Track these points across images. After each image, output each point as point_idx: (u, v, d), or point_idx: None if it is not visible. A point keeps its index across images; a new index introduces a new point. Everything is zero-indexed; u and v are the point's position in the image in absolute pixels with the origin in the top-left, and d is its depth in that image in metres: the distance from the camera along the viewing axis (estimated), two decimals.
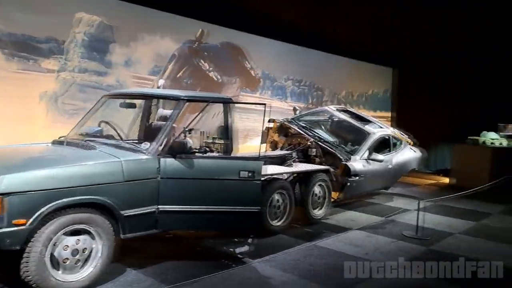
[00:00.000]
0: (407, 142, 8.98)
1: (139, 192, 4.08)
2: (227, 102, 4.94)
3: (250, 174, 4.54)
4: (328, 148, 7.22)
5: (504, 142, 10.67)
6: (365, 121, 8.50)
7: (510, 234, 6.59)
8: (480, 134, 10.82)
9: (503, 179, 9.42)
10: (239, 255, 5.00)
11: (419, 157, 9.06)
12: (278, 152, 6.98)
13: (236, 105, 7.79)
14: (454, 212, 7.79)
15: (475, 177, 9.59)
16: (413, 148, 9.10)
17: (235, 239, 5.46)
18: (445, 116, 12.81)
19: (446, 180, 11.24)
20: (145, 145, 4.29)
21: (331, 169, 6.87)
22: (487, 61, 11.98)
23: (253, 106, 8.40)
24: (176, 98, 4.65)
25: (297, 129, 7.60)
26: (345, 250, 5.40)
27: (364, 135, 7.77)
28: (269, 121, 7.90)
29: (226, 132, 4.92)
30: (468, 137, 10.82)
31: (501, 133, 10.91)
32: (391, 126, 11.68)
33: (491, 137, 10.69)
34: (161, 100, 5.51)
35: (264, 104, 4.81)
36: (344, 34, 10.75)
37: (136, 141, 5.04)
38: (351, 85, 11.47)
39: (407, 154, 8.75)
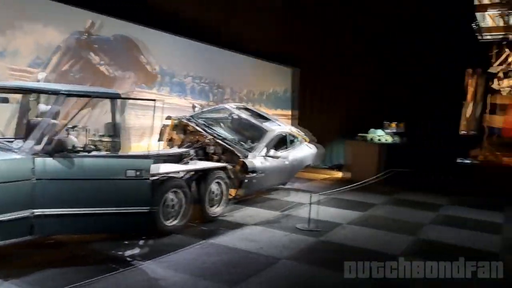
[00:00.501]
0: (304, 139, 9.40)
1: (9, 195, 3.71)
2: (114, 98, 4.69)
3: (138, 173, 4.37)
4: (227, 146, 7.25)
5: (389, 139, 11.63)
6: (264, 119, 8.71)
7: (393, 223, 7.20)
8: (368, 131, 11.66)
9: (389, 172, 10.33)
10: (128, 258, 4.77)
11: (315, 153, 9.52)
12: (174, 150, 6.84)
13: (132, 102, 7.54)
14: (345, 204, 8.30)
15: (365, 171, 10.36)
16: (309, 144, 9.54)
17: (126, 242, 5.20)
18: (340, 114, 13.62)
19: (340, 174, 11.98)
20: (18, 143, 3.90)
21: (229, 166, 6.90)
22: (375, 65, 13.00)
23: (150, 103, 8.13)
24: (54, 92, 4.30)
25: (195, 126, 7.51)
26: (241, 245, 5.46)
27: (262, 132, 7.95)
28: (167, 118, 7.73)
29: (114, 129, 4.67)
30: (358, 134, 11.62)
31: (386, 130, 11.87)
32: (292, 124, 12.18)
33: (378, 134, 11.59)
34: (42, 95, 5.06)
35: (154, 100, 4.66)
36: (245, 33, 10.88)
37: (11, 140, 4.58)
38: (253, 84, 11.66)
39: (304, 150, 9.14)
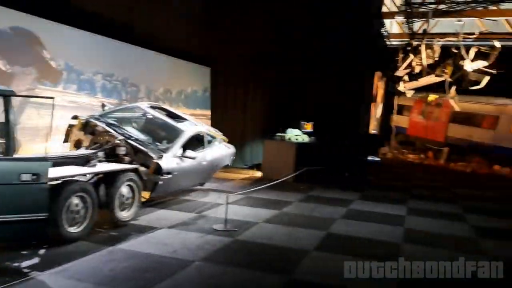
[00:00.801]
0: (222, 139, 9.36)
1: None
2: (5, 95, 4.26)
3: (33, 177, 4.01)
4: (139, 146, 6.95)
5: (305, 138, 11.99)
6: (180, 118, 8.52)
7: (306, 219, 7.41)
8: (285, 131, 11.94)
9: (303, 170, 10.66)
10: (24, 269, 4.35)
11: (231, 153, 9.52)
12: (79, 152, 6.41)
13: (35, 100, 6.94)
14: (260, 203, 8.37)
15: (281, 170, 10.59)
16: (227, 144, 9.52)
17: (23, 252, 4.73)
18: (258, 114, 13.81)
19: (258, 173, 12.11)
20: None
21: (140, 168, 6.62)
22: (291, 68, 13.40)
23: (56, 101, 7.50)
24: None
25: (104, 126, 7.12)
26: (152, 250, 5.27)
27: (177, 132, 7.76)
28: (72, 117, 7.25)
29: (6, 129, 4.25)
30: (276, 134, 11.85)
31: (302, 130, 12.23)
32: (211, 124, 12.08)
33: (295, 134, 11.91)
34: None
35: (52, 97, 4.32)
36: (160, 30, 10.53)
37: None
38: (170, 83, 11.33)
39: (221, 150, 9.09)
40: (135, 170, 6.47)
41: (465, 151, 17.87)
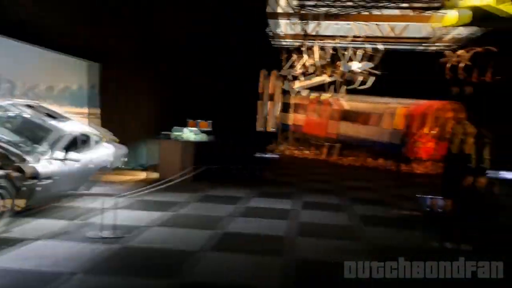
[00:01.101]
0: (103, 139, 8.66)
1: None
2: None
3: None
4: (11, 149, 6.15)
5: (192, 136, 11.69)
6: (52, 117, 7.66)
7: (194, 219, 7.22)
8: (172, 129, 11.54)
9: (193, 169, 10.39)
10: None
11: (115, 154, 8.88)
12: None
13: None
14: (147, 206, 7.92)
15: (171, 170, 10.22)
16: (108, 145, 8.85)
17: None
18: (146, 113, 13.15)
19: (145, 174, 11.49)
20: None
21: (12, 173, 5.79)
22: (178, 64, 13.05)
23: None
24: None
25: None
26: (24, 265, 4.66)
27: (48, 132, 7.03)
28: None
29: None
30: (161, 132, 11.38)
31: (190, 128, 11.93)
32: (91, 122, 11.10)
33: (182, 132, 11.56)
34: None
35: None
36: (28, 16, 9.28)
37: None
38: (39, 77, 10.04)
39: (101, 151, 8.45)
40: (5, 176, 5.67)
41: (354, 146, 19.06)
